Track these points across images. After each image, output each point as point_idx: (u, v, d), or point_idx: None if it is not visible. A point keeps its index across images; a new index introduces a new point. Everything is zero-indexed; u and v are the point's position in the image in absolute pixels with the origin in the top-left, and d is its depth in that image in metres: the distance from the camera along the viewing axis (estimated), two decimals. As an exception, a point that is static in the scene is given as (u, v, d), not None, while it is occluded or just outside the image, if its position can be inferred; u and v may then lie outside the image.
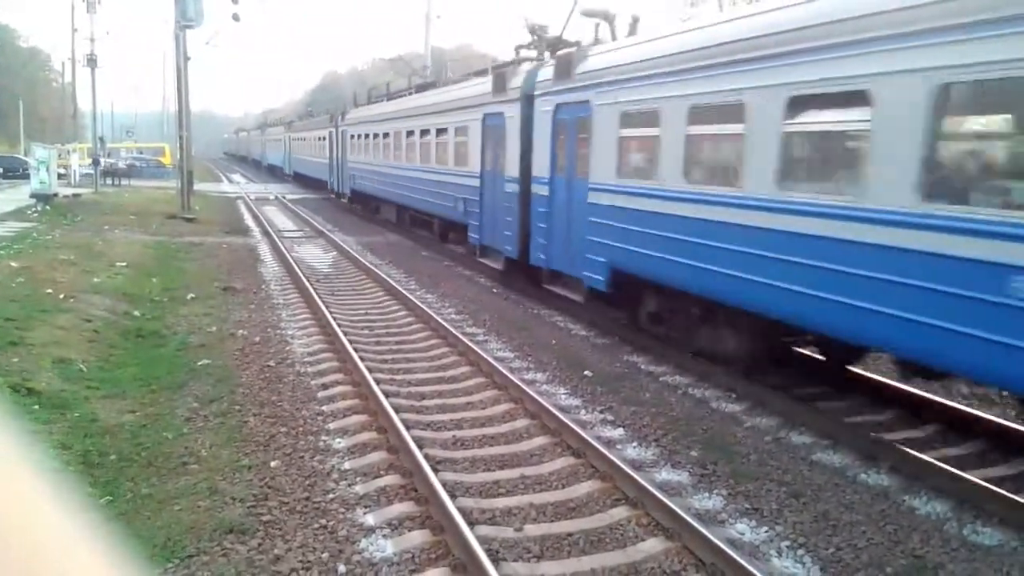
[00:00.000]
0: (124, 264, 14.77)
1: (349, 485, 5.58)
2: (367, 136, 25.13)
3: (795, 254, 6.67)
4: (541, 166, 11.93)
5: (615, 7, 12.18)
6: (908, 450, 6.24)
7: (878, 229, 5.84)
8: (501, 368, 8.21)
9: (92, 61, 35.30)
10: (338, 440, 6.48)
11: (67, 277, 12.56)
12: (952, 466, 5.93)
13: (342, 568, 4.45)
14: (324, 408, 7.23)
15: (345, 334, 9.54)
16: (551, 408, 6.92)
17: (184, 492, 5.33)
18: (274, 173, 56.70)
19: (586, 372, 8.69)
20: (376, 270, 15.03)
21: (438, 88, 19.20)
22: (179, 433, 6.47)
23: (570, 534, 4.91)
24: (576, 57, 10.97)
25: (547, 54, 12.92)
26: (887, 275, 5.77)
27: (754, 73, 7.15)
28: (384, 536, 4.83)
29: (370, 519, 5.05)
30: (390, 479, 5.65)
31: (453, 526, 4.69)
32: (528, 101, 12.34)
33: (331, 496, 5.39)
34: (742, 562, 4.32)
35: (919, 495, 5.66)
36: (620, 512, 5.20)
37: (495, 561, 4.37)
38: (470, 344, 9.21)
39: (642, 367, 9.09)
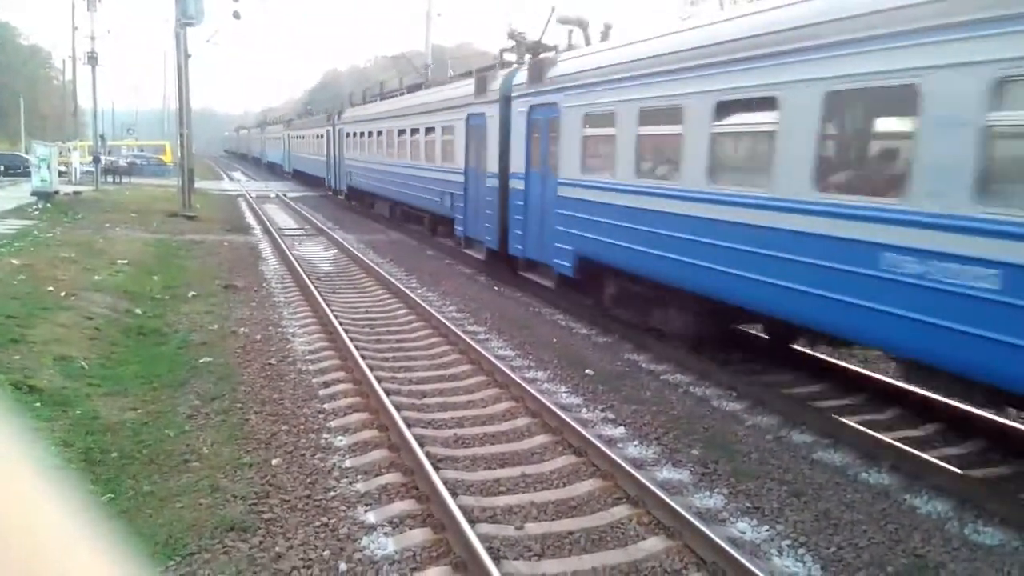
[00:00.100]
0: (125, 262, 14.78)
1: (350, 483, 5.59)
2: (362, 134, 25.93)
3: (721, 239, 7.61)
4: (517, 163, 12.81)
5: (589, 15, 13.22)
6: (909, 449, 6.23)
7: (784, 215, 6.81)
8: (502, 366, 8.21)
9: (93, 59, 35.26)
10: (339, 438, 6.48)
11: (68, 275, 12.57)
12: (953, 465, 5.93)
13: (343, 566, 4.45)
14: (325, 406, 7.24)
15: (346, 332, 9.54)
16: (552, 407, 6.92)
17: (185, 490, 5.34)
18: (273, 170, 57.23)
19: (587, 371, 8.69)
20: (377, 268, 15.03)
21: (427, 89, 20.07)
22: (180, 431, 6.47)
23: (571, 532, 4.91)
24: (547, 63, 11.99)
25: (527, 57, 13.62)
26: (792, 255, 6.69)
27: (690, 81, 8.10)
28: (385, 534, 4.83)
29: (371, 517, 5.05)
30: (391, 477, 5.65)
31: (454, 524, 4.69)
32: (506, 102, 13.21)
33: (332, 494, 5.39)
34: (743, 561, 4.32)
35: (920, 494, 5.65)
36: (621, 511, 5.20)
37: (496, 559, 4.37)
38: (471, 342, 9.21)
39: (643, 365, 9.09)
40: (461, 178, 15.61)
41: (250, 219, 25.84)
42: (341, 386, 7.79)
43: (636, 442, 6.62)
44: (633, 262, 9.40)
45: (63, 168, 33.86)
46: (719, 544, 4.50)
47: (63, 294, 10.95)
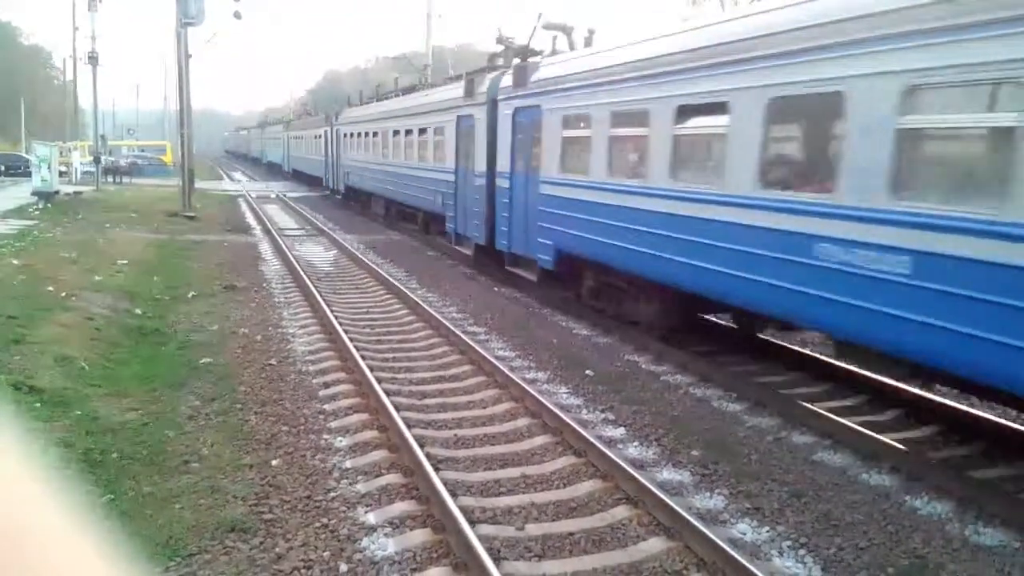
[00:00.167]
0: (125, 262, 14.79)
1: (350, 484, 5.58)
2: (358, 135, 26.53)
3: (683, 232, 8.25)
4: (503, 162, 13.44)
5: (582, 17, 14.61)
6: (909, 450, 6.23)
7: (734, 210, 7.47)
8: (502, 367, 8.21)
9: (93, 59, 35.28)
10: (339, 439, 6.48)
11: (68, 275, 12.57)
12: (953, 466, 5.92)
13: (343, 567, 4.45)
14: (325, 407, 7.24)
15: (346, 333, 9.55)
16: (552, 407, 6.92)
17: (186, 490, 5.33)
18: (273, 170, 57.71)
19: (587, 371, 8.68)
20: (378, 269, 15.04)
21: (420, 91, 20.76)
22: (181, 431, 6.47)
23: (571, 533, 4.91)
24: (530, 68, 12.65)
25: (516, 61, 14.16)
26: (742, 246, 7.32)
27: (654, 86, 8.80)
28: (385, 535, 4.83)
29: (371, 518, 5.05)
30: (391, 478, 5.65)
31: (454, 525, 4.69)
32: (493, 105, 13.86)
33: (332, 495, 5.39)
34: (743, 562, 4.31)
35: (920, 495, 5.65)
36: (621, 511, 5.20)
37: (496, 560, 4.36)
38: (471, 343, 9.21)
39: (643, 366, 9.09)
40: (452, 177, 16.16)
41: (250, 219, 25.84)
42: (341, 387, 7.79)
43: (636, 443, 6.62)
44: (607, 256, 10.06)
45: (63, 168, 33.87)
46: (719, 545, 4.49)
47: (63, 294, 10.96)
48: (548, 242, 11.58)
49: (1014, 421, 6.91)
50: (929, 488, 5.72)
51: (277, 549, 4.60)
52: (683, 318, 9.67)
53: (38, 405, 6.60)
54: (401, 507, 5.18)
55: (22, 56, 79.24)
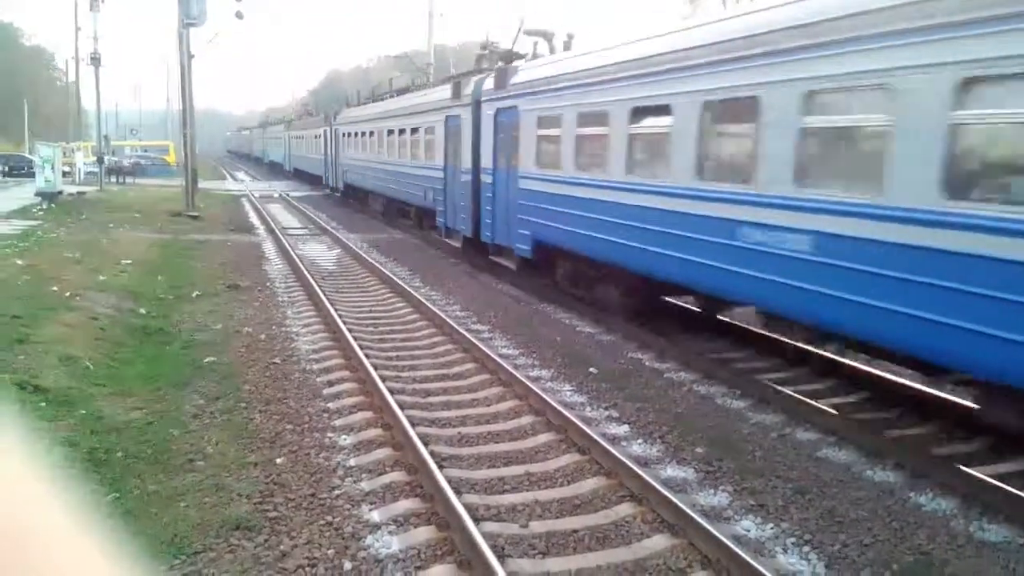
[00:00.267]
0: (129, 262, 14.82)
1: (355, 482, 5.59)
2: (356, 134, 27.47)
3: (638, 221, 9.22)
4: (487, 160, 14.37)
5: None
6: (914, 446, 6.22)
7: (677, 200, 8.46)
8: (506, 365, 8.22)
9: (96, 60, 35.34)
10: (344, 437, 6.49)
11: (72, 275, 12.60)
12: (958, 462, 5.91)
13: (348, 564, 4.46)
14: (330, 405, 7.25)
15: (350, 331, 9.55)
16: (556, 405, 6.92)
17: (190, 489, 5.35)
18: (275, 169, 58.31)
19: (591, 369, 8.68)
20: (381, 268, 15.05)
21: (413, 93, 21.80)
22: (185, 430, 6.48)
23: (575, 531, 4.91)
24: (509, 71, 13.65)
25: (500, 64, 15.05)
26: (683, 232, 8.35)
27: (612, 90, 9.78)
28: (390, 532, 4.84)
29: (376, 515, 5.06)
30: (395, 476, 5.66)
31: (459, 522, 4.70)
32: (477, 106, 14.77)
33: (337, 493, 5.40)
34: (748, 559, 4.31)
35: (925, 492, 5.64)
36: (625, 509, 5.20)
37: (501, 558, 4.37)
38: (475, 341, 9.21)
39: (647, 364, 9.08)
40: (441, 174, 17.04)
41: (254, 219, 25.88)
42: (345, 385, 7.80)
43: (640, 440, 6.62)
44: (576, 244, 11.00)
45: (67, 169, 33.94)
46: (724, 542, 4.49)
47: (67, 294, 10.98)
48: (526, 233, 12.51)
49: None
50: (933, 484, 5.71)
51: (282, 547, 4.61)
52: (646, 301, 10.58)
53: (43, 404, 6.62)
54: (405, 505, 5.19)
55: (24, 57, 79.41)
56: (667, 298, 11.18)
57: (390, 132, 22.24)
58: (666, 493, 5.15)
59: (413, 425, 6.42)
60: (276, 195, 36.33)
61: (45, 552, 0.47)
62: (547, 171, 11.78)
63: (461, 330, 9.76)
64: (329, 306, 10.97)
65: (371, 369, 7.91)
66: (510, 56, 15.10)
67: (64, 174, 29.96)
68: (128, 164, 44.91)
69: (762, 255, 7.10)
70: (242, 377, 8.02)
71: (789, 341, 8.91)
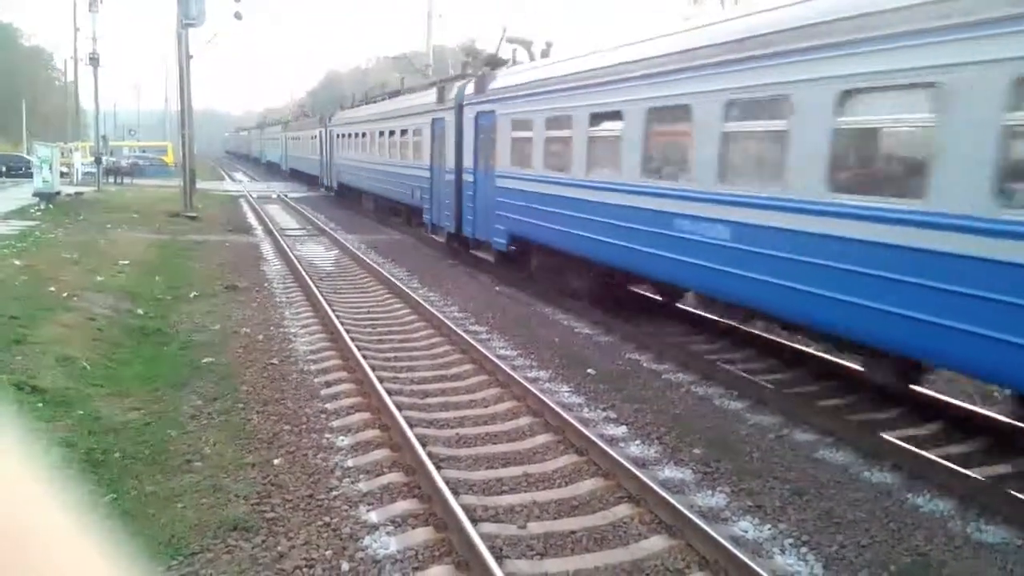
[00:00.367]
0: (127, 262, 14.80)
1: (352, 483, 5.59)
2: (350, 136, 28.42)
3: (597, 215, 10.14)
4: (468, 160, 15.23)
5: (538, 33, 16.39)
6: (911, 448, 6.23)
7: (626, 196, 9.47)
8: (504, 366, 8.22)
9: (94, 60, 35.28)
10: (341, 438, 6.49)
11: (70, 276, 12.58)
12: (955, 464, 5.92)
13: (345, 565, 4.45)
14: (327, 406, 7.24)
15: (348, 332, 9.55)
16: (554, 406, 6.92)
17: (188, 489, 5.34)
18: (272, 169, 58.85)
19: (589, 370, 8.69)
20: (379, 268, 15.05)
21: (403, 96, 22.54)
22: (183, 431, 6.48)
23: (573, 532, 4.91)
24: (488, 77, 14.61)
25: (485, 69, 15.82)
26: (632, 224, 9.31)
27: (575, 96, 10.83)
28: (387, 533, 4.83)
29: (373, 516, 5.06)
30: (393, 477, 5.65)
31: (456, 523, 4.69)
32: (460, 110, 15.63)
33: (335, 493, 5.40)
34: (745, 560, 4.31)
35: (922, 493, 5.65)
36: (623, 510, 5.20)
37: (498, 559, 4.37)
38: (473, 342, 9.21)
39: (644, 365, 9.09)
40: (428, 174, 17.96)
41: (252, 219, 25.85)
42: (343, 386, 7.80)
43: (638, 441, 6.62)
44: (546, 238, 11.95)
45: (65, 169, 33.86)
46: (721, 543, 4.49)
47: (65, 295, 10.97)
48: (502, 228, 13.47)
49: (1010, 417, 6.90)
50: (931, 486, 5.72)
51: (279, 548, 4.61)
52: (609, 288, 11.48)
53: (40, 405, 6.61)
54: (403, 506, 5.19)
55: (23, 57, 79.24)
56: (632, 287, 12.21)
57: (381, 134, 23.10)
58: (664, 494, 5.15)
59: (411, 426, 6.41)
60: (274, 196, 36.31)
61: (43, 553, 0.47)
62: (520, 170, 12.71)
63: (459, 331, 9.76)
64: (327, 307, 10.96)
65: (369, 370, 7.90)
66: (493, 62, 15.89)
67: (62, 174, 29.90)
68: (126, 164, 44.81)
69: (693, 243, 8.15)
70: (240, 378, 8.01)
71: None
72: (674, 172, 8.79)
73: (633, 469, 5.56)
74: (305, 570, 4.39)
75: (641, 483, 5.36)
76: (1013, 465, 6.12)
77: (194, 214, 24.65)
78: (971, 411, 7.17)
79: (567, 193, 11.03)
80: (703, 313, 10.86)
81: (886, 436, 6.46)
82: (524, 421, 6.93)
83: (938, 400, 7.38)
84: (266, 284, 13.71)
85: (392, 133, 21.80)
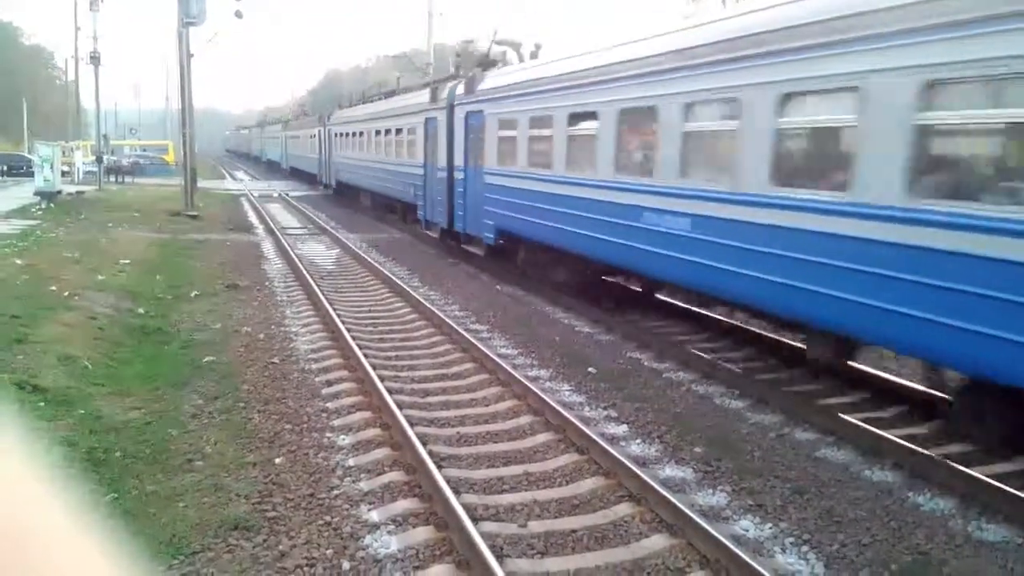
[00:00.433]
0: (128, 262, 14.81)
1: (353, 482, 5.59)
2: (347, 134, 29.07)
3: (574, 209, 10.87)
4: (459, 158, 15.84)
5: (530, 33, 17.30)
6: (912, 446, 6.22)
7: (600, 191, 10.24)
8: (505, 365, 8.22)
9: (95, 59, 35.29)
10: (342, 437, 6.49)
11: (71, 275, 12.59)
12: (957, 462, 5.92)
13: (346, 564, 4.46)
14: (328, 405, 7.25)
15: (349, 331, 9.55)
16: (555, 405, 6.93)
17: (189, 489, 5.35)
18: (272, 168, 59.24)
19: (590, 369, 8.69)
20: (380, 267, 15.05)
21: (398, 96, 23.10)
22: (184, 430, 6.48)
23: (574, 530, 4.91)
24: (477, 79, 15.21)
25: (478, 70, 16.27)
26: (604, 217, 10.04)
27: (554, 97, 11.55)
28: (388, 532, 4.84)
29: (374, 515, 5.06)
30: (394, 476, 5.66)
31: (457, 522, 4.70)
32: (451, 110, 16.19)
33: (336, 493, 5.40)
34: (746, 559, 4.31)
35: (923, 491, 5.65)
36: (624, 509, 5.20)
37: (499, 558, 4.37)
38: (474, 341, 9.21)
39: (645, 363, 9.09)
40: (422, 171, 18.51)
41: (253, 218, 25.86)
42: (344, 385, 7.80)
43: (639, 440, 6.62)
44: (530, 232, 12.65)
45: (66, 168, 33.90)
46: (722, 542, 4.49)
47: (66, 294, 10.98)
48: (491, 223, 14.10)
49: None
50: (932, 484, 5.72)
51: (280, 547, 4.61)
52: (589, 279, 12.21)
53: (41, 404, 6.62)
54: (404, 505, 5.19)
55: (24, 56, 79.29)
56: (607, 278, 12.82)
57: (377, 133, 23.74)
58: (665, 493, 5.15)
59: (412, 425, 6.42)
60: (275, 194, 36.32)
61: (44, 552, 0.47)
62: (506, 168, 13.43)
63: (460, 330, 9.76)
64: (328, 306, 10.97)
65: (370, 369, 7.90)
66: (484, 63, 16.41)
67: (63, 173, 29.90)
68: (127, 163, 44.84)
69: (658, 234, 8.86)
70: (241, 377, 8.02)
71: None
72: (642, 169, 9.52)
73: (634, 468, 5.56)
74: (306, 569, 4.40)
75: (642, 482, 5.36)
76: (1014, 464, 6.10)
77: (195, 213, 24.66)
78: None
79: (548, 189, 11.67)
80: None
81: (885, 434, 6.46)
82: (525, 420, 6.93)
83: (939, 398, 7.36)
84: (267, 283, 13.71)
85: (388, 132, 22.34)
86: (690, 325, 11.00)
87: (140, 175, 44.47)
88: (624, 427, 6.92)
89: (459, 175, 15.77)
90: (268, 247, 18.68)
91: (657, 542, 4.76)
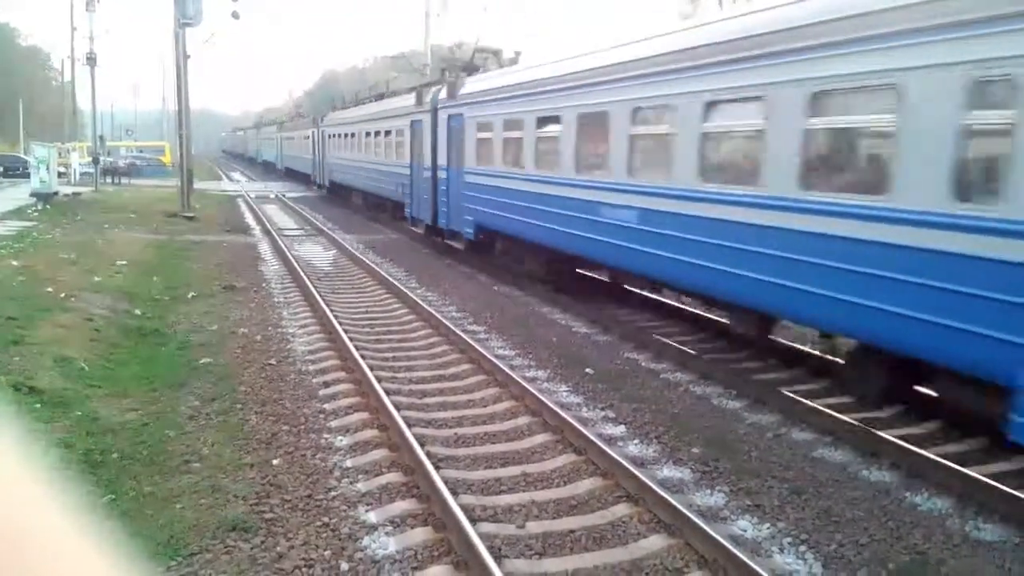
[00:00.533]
0: (125, 263, 14.78)
1: (351, 483, 5.59)
2: (340, 136, 30.04)
3: (545, 205, 11.74)
4: (442, 158, 16.72)
5: (509, 42, 18.12)
6: (910, 446, 6.23)
7: (565, 188, 11.17)
8: (502, 366, 8.21)
9: (91, 60, 35.23)
10: (340, 438, 6.48)
11: (68, 276, 12.57)
12: (954, 462, 5.93)
13: (344, 566, 4.45)
14: (326, 406, 7.24)
15: (346, 332, 9.54)
16: (552, 405, 6.92)
17: (186, 490, 5.34)
18: (268, 168, 59.61)
19: (587, 369, 8.69)
20: (377, 268, 15.04)
21: (387, 99, 24.03)
22: (181, 431, 6.47)
23: (572, 531, 4.91)
24: (458, 83, 16.13)
25: (461, 75, 17.02)
26: (570, 212, 10.96)
27: (525, 102, 12.50)
28: (386, 534, 4.83)
29: (372, 517, 5.05)
30: (392, 477, 5.65)
31: (455, 523, 4.69)
32: (435, 112, 17.13)
33: (333, 494, 5.39)
34: (744, 559, 4.32)
35: (921, 491, 5.66)
36: (622, 509, 5.20)
37: (497, 558, 4.37)
38: (471, 342, 9.21)
39: (643, 364, 9.09)
40: (408, 171, 19.43)
41: (249, 219, 25.83)
42: (341, 386, 7.79)
43: (636, 440, 6.62)
44: (504, 226, 13.56)
45: (62, 169, 33.84)
46: (720, 542, 4.50)
47: (63, 295, 10.95)
48: (470, 219, 15.01)
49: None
50: (929, 484, 5.73)
51: (278, 548, 4.61)
52: (562, 271, 12.90)
53: (38, 406, 6.60)
54: (402, 506, 5.18)
55: (20, 57, 79.15)
56: (580, 270, 13.41)
57: (367, 134, 24.66)
58: (662, 493, 5.15)
59: (409, 426, 6.41)
60: (272, 196, 36.28)
61: (41, 554, 0.47)
62: (483, 167, 14.42)
63: (457, 331, 9.75)
64: (325, 307, 10.95)
65: (367, 370, 7.90)
66: (470, 68, 17.30)
67: (59, 175, 29.89)
68: (124, 164, 44.73)
69: (619, 228, 9.66)
70: (238, 378, 8.00)
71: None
72: (599, 167, 10.43)
73: (632, 468, 5.56)
74: (304, 570, 4.39)
75: (640, 482, 5.36)
76: (1011, 463, 6.11)
77: (191, 214, 24.62)
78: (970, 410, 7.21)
79: (520, 187, 12.66)
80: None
81: (884, 435, 6.47)
82: (523, 421, 6.93)
83: (936, 399, 7.37)
84: (264, 284, 13.69)
85: (377, 134, 23.25)
86: (688, 325, 11.03)
87: (136, 176, 44.38)
88: (622, 427, 6.92)
89: (442, 174, 16.61)
90: (265, 248, 18.65)
91: (655, 542, 4.76)
